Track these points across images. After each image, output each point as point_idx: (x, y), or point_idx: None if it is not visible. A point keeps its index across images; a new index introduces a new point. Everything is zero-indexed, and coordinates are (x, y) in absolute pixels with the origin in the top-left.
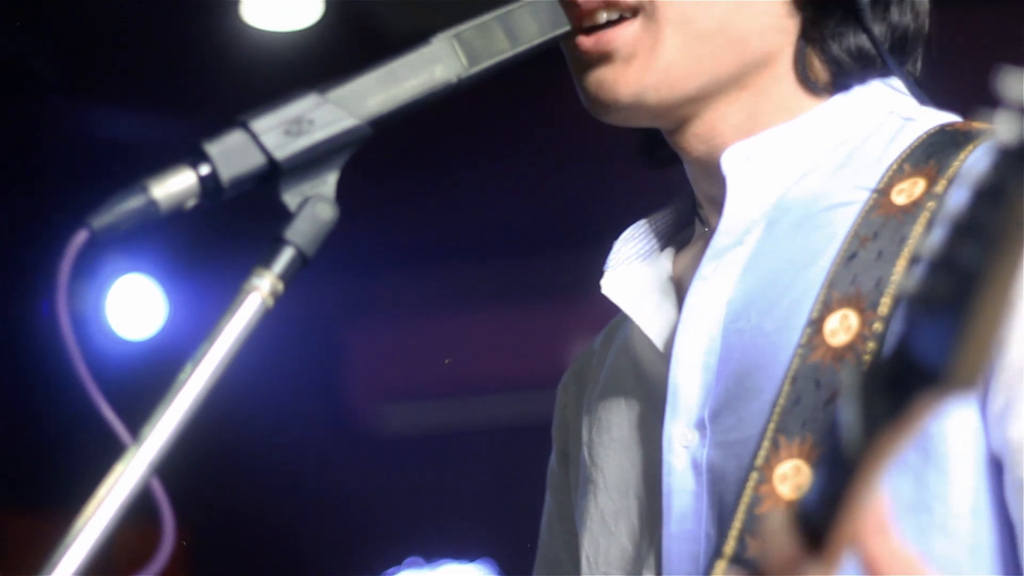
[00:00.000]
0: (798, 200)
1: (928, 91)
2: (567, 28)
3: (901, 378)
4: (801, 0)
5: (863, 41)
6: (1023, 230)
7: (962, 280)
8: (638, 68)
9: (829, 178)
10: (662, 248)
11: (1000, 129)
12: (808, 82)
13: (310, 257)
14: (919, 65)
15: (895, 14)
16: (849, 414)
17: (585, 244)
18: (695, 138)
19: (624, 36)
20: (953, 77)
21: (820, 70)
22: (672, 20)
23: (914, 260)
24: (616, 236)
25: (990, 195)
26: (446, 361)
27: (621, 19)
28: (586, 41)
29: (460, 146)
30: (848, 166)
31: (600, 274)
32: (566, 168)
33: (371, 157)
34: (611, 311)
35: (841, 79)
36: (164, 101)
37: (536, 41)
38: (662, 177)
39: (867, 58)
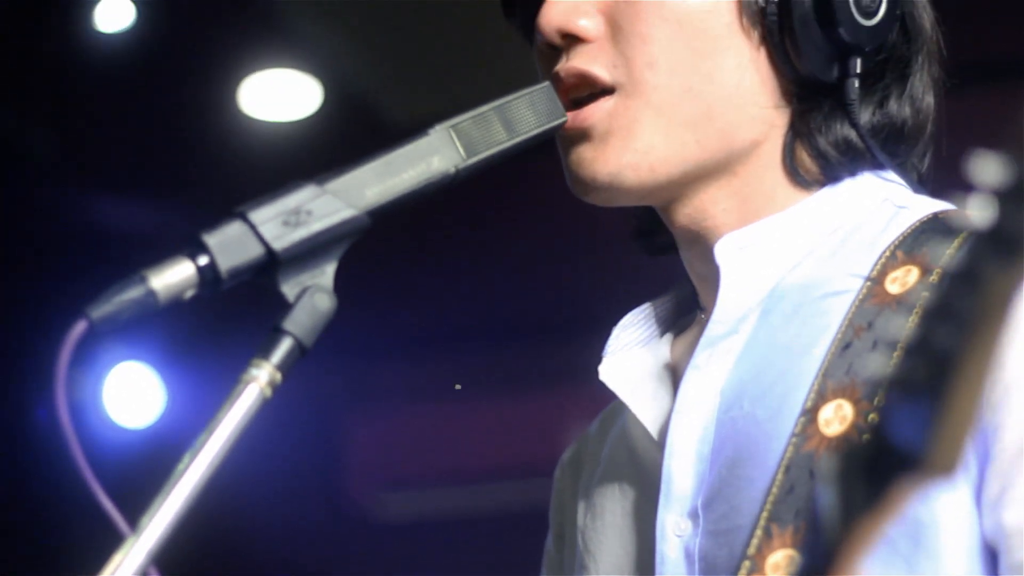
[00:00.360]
0: (793, 287)
1: (929, 183)
2: (564, 119)
3: (880, 462)
4: (789, 92)
5: (851, 134)
6: (998, 315)
7: (938, 364)
8: (616, 147)
9: (823, 265)
10: (662, 334)
11: (973, 213)
12: (797, 175)
13: (308, 347)
14: (926, 160)
15: (892, 106)
16: (828, 499)
17: (582, 331)
18: (687, 220)
19: (599, 113)
20: (951, 160)
21: (808, 163)
22: (654, 104)
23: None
24: (614, 322)
25: (964, 279)
26: (456, 387)
27: (602, 95)
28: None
29: (457, 233)
30: (841, 253)
31: (599, 360)
32: (564, 255)
33: (368, 245)
34: (610, 397)
35: (829, 172)
36: (163, 190)
37: (533, 132)
38: (661, 264)
39: (856, 151)
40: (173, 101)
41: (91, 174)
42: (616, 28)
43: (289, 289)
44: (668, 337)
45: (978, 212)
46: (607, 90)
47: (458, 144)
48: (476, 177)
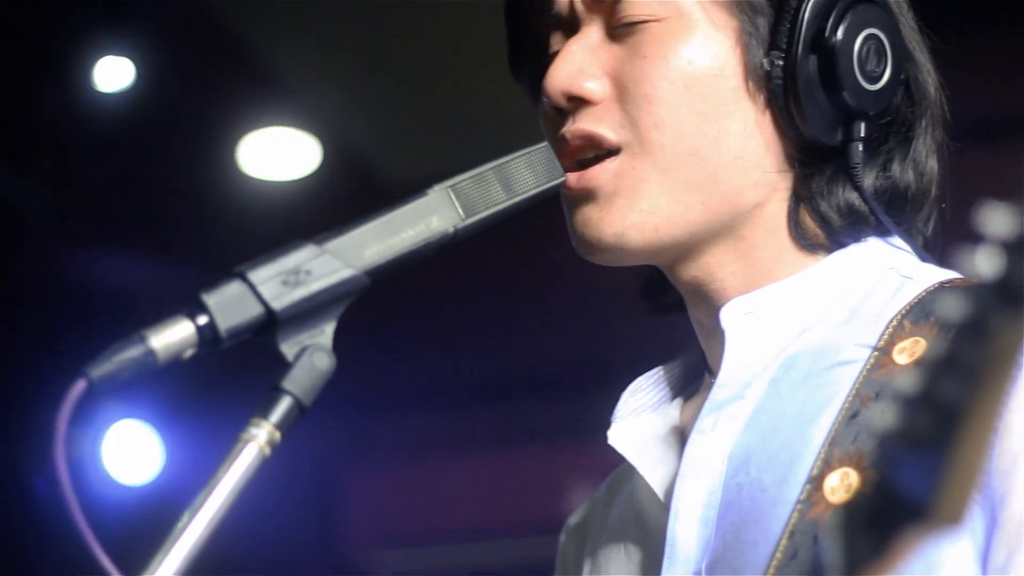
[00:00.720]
0: (801, 355)
1: (935, 248)
2: (563, 178)
3: (883, 515)
4: (793, 156)
5: (854, 198)
6: (1006, 367)
7: (944, 415)
8: (621, 207)
9: (832, 333)
10: (672, 398)
11: (980, 266)
12: (802, 240)
13: (307, 406)
14: (931, 224)
15: (895, 170)
16: (831, 552)
17: (583, 388)
18: (693, 280)
19: (605, 174)
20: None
21: (812, 227)
22: (660, 165)
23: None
24: (617, 381)
25: (971, 332)
26: None
27: (608, 155)
28: (571, 177)
29: (458, 291)
30: (850, 323)
31: (607, 424)
32: (565, 312)
33: (368, 303)
34: (611, 456)
35: (833, 236)
36: (162, 249)
37: (532, 192)
38: (664, 323)
39: (859, 216)
40: (172, 159)
41: (91, 233)
42: (622, 90)
43: (288, 348)
44: (678, 401)
45: (984, 264)
46: (613, 151)
47: (457, 204)
48: (476, 236)
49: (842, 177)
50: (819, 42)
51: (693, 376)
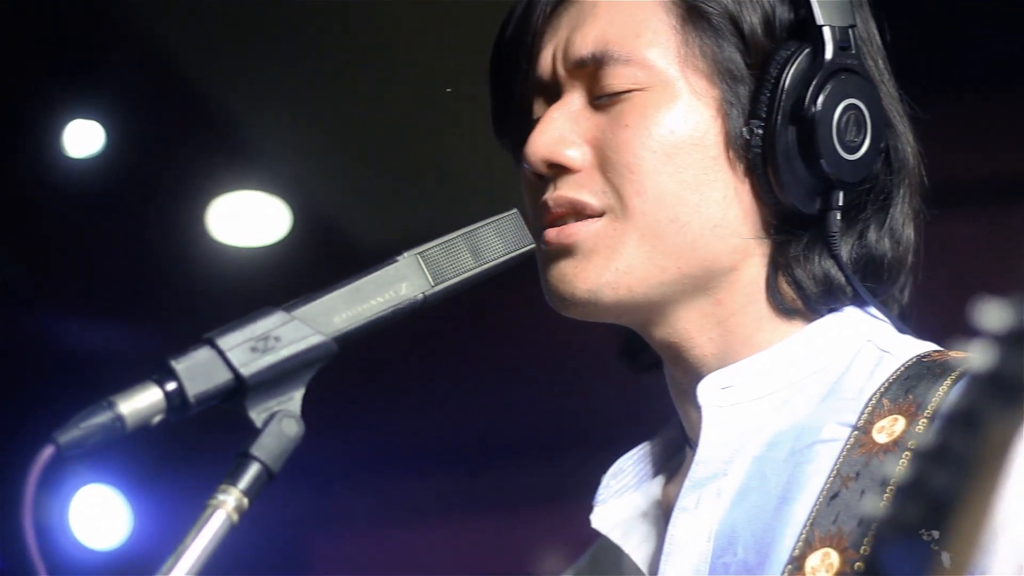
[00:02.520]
0: (784, 433)
1: (910, 317)
2: (531, 246)
3: None
4: (771, 223)
5: (830, 267)
6: (998, 458)
7: (934, 505)
8: (597, 265)
9: (812, 410)
10: (654, 474)
11: (974, 357)
12: (780, 306)
13: (275, 472)
14: (906, 293)
15: (871, 238)
16: None
17: (559, 453)
18: (669, 343)
19: (586, 232)
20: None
21: (790, 294)
22: (640, 229)
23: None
24: (591, 444)
25: (963, 422)
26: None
27: (588, 216)
28: (550, 233)
29: (427, 354)
30: (829, 399)
31: (582, 489)
32: (537, 376)
33: (337, 368)
34: (587, 523)
35: (809, 304)
36: (132, 314)
37: (501, 259)
38: (638, 388)
39: (835, 284)
40: (142, 224)
41: (60, 297)
42: (603, 158)
43: (257, 415)
44: (660, 478)
45: (978, 356)
46: (594, 215)
47: (426, 271)
48: (446, 299)
49: (819, 245)
50: (798, 112)
51: (673, 451)
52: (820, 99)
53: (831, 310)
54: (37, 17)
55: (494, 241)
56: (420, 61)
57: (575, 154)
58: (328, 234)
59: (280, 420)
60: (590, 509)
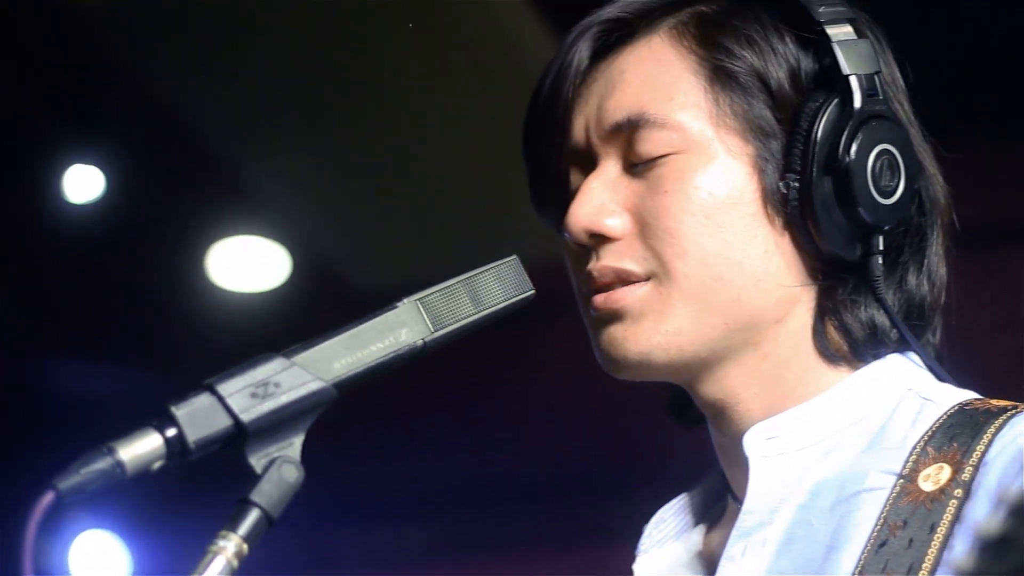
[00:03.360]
0: (828, 482)
1: (944, 359)
2: (531, 292)
3: None
4: (813, 271)
5: (876, 312)
6: None
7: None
8: (648, 328)
9: (856, 459)
10: (694, 524)
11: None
12: (827, 353)
13: (275, 519)
14: (938, 335)
15: (911, 282)
16: None
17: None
18: (716, 400)
19: (633, 297)
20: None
21: (837, 341)
22: (686, 291)
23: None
24: (599, 491)
25: (1019, 510)
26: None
27: (634, 282)
28: (598, 299)
29: (430, 398)
30: (874, 448)
31: (595, 532)
32: (546, 419)
33: (339, 413)
34: (602, 567)
35: (856, 350)
36: (131, 359)
37: (500, 305)
38: (650, 430)
39: (880, 330)
40: (141, 269)
41: (59, 343)
42: (643, 224)
43: (257, 461)
44: (701, 527)
45: None
46: (639, 280)
47: (426, 317)
48: (447, 345)
49: (863, 291)
50: (832, 162)
51: (713, 501)
52: (853, 148)
53: (875, 357)
54: (37, 63)
55: (494, 287)
56: (421, 108)
57: (616, 223)
58: (328, 279)
59: (280, 466)
60: (603, 553)
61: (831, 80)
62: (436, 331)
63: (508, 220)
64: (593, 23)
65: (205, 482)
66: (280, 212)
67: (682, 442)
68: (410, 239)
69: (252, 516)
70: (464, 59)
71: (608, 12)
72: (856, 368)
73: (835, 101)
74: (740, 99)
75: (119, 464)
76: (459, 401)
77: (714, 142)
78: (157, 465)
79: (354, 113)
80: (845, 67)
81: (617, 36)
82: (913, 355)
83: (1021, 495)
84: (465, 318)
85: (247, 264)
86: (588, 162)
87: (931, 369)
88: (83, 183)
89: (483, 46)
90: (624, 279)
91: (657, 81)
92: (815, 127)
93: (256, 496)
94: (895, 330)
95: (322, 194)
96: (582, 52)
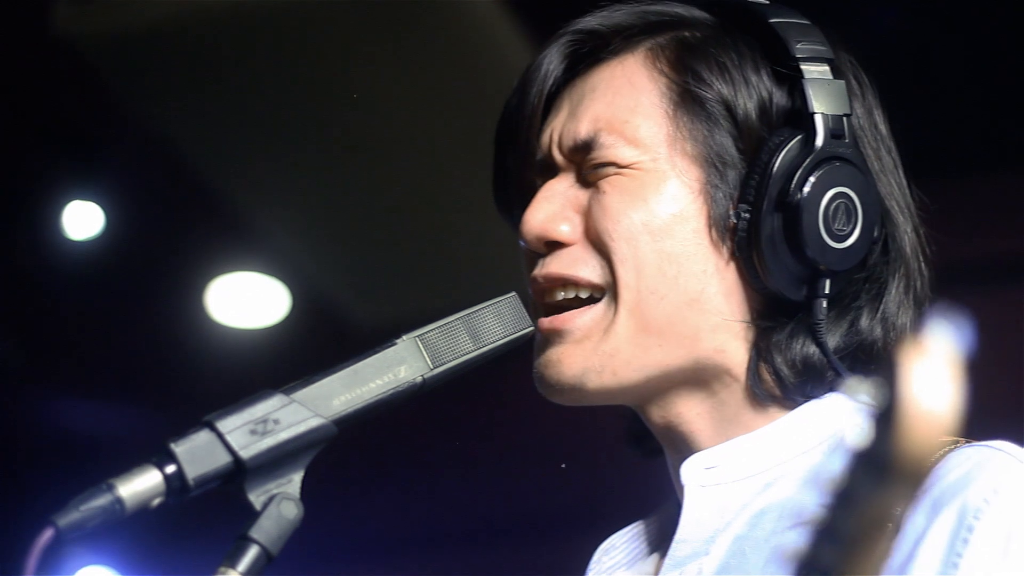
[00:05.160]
0: (766, 513)
1: None
2: (530, 328)
3: None
4: (755, 307)
5: (814, 353)
6: (876, 533)
7: None
8: (585, 350)
9: (796, 492)
10: (649, 553)
11: (850, 432)
12: (759, 392)
13: (274, 555)
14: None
15: (864, 325)
16: None
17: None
18: (664, 425)
19: (581, 320)
20: None
21: (768, 381)
22: (627, 304)
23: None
24: (592, 526)
25: (842, 499)
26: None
27: (580, 300)
28: (544, 321)
29: (430, 436)
30: (813, 482)
31: (575, 569)
32: (542, 457)
33: (338, 449)
34: None
35: (786, 392)
36: (131, 396)
37: (499, 342)
38: (644, 468)
39: (814, 371)
40: (141, 305)
41: (59, 379)
42: (590, 228)
43: (256, 497)
44: (655, 557)
45: (853, 431)
46: (589, 291)
47: (425, 354)
48: (446, 382)
49: (803, 332)
50: (784, 198)
51: (669, 530)
52: (806, 187)
53: (809, 397)
54: (37, 99)
55: (492, 324)
56: (420, 145)
57: (566, 228)
58: (327, 316)
59: (279, 503)
60: None
61: (800, 117)
62: (435, 368)
63: (508, 257)
64: (566, 32)
65: (204, 518)
66: (279, 248)
67: (649, 478)
68: (409, 276)
69: (251, 553)
70: (464, 98)
71: (583, 23)
72: (791, 407)
73: (798, 138)
74: (702, 125)
75: (118, 501)
76: (455, 438)
77: (665, 163)
78: (156, 502)
79: (354, 151)
80: (812, 105)
81: (591, 47)
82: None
83: (844, 481)
84: (464, 355)
85: (246, 300)
86: (550, 170)
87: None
88: (83, 219)
89: (483, 85)
90: (573, 283)
91: (623, 100)
92: (773, 161)
93: (255, 533)
94: (833, 372)
95: (321, 231)
96: (552, 61)
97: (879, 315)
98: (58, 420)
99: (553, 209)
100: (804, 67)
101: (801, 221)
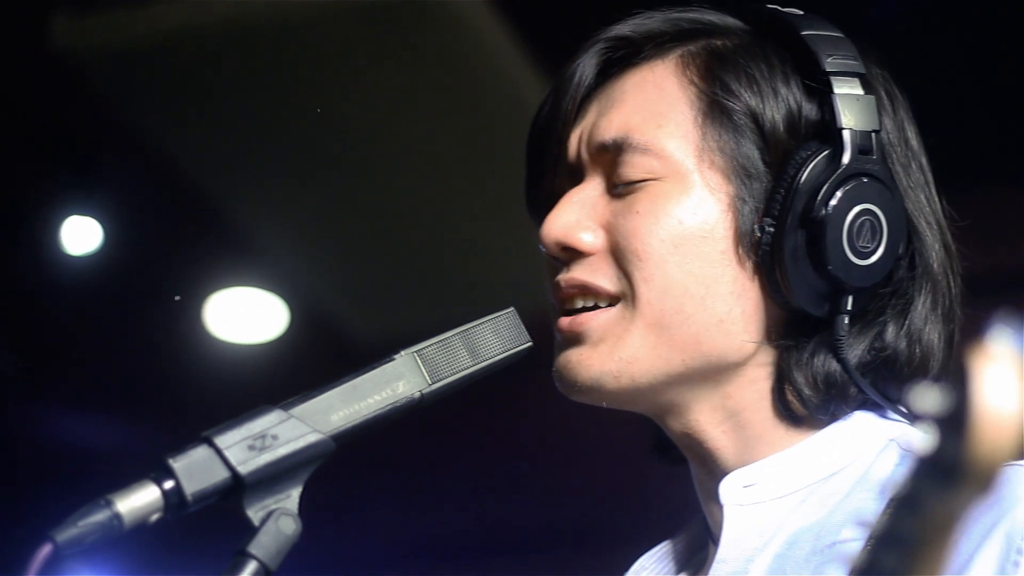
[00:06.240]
0: (804, 532)
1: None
2: (528, 344)
3: None
4: (778, 325)
5: (835, 370)
6: (940, 539)
7: None
8: (602, 353)
9: (833, 510)
10: (677, 572)
11: (916, 440)
12: (784, 411)
13: (273, 571)
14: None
15: (888, 339)
16: None
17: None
18: (684, 435)
19: (597, 322)
20: None
21: (794, 403)
22: (647, 318)
23: None
24: (600, 540)
25: (906, 504)
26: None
27: (599, 306)
28: (563, 321)
29: (430, 450)
30: (850, 499)
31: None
32: (547, 470)
33: (335, 465)
34: None
35: (811, 410)
36: (129, 411)
37: (498, 357)
38: (652, 481)
39: (837, 389)
40: (139, 321)
41: (56, 394)
42: (614, 243)
43: (254, 513)
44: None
45: (919, 439)
46: (607, 300)
47: (423, 369)
48: (444, 398)
49: (825, 349)
50: (808, 214)
51: (697, 547)
52: (832, 202)
53: (830, 415)
54: (35, 115)
55: (491, 339)
56: (419, 161)
57: (588, 237)
58: (325, 331)
59: (278, 518)
60: None
61: (828, 132)
62: (433, 383)
63: (506, 272)
64: (599, 39)
65: (202, 534)
66: (277, 264)
67: (675, 488)
68: (407, 291)
69: (250, 569)
70: (464, 116)
71: (617, 30)
72: (818, 425)
73: (825, 153)
74: (729, 136)
75: (116, 516)
76: (454, 452)
77: (694, 174)
78: (155, 517)
79: (352, 166)
80: (841, 120)
81: (623, 54)
82: (891, 413)
83: (907, 487)
84: (462, 370)
85: (245, 315)
86: (577, 176)
87: (908, 422)
88: (81, 235)
89: (483, 103)
90: (593, 293)
91: (651, 107)
92: (799, 175)
93: (254, 548)
94: (855, 388)
95: (319, 246)
96: (586, 67)
97: (904, 330)
98: (56, 435)
99: (575, 217)
100: (834, 81)
101: (825, 237)
